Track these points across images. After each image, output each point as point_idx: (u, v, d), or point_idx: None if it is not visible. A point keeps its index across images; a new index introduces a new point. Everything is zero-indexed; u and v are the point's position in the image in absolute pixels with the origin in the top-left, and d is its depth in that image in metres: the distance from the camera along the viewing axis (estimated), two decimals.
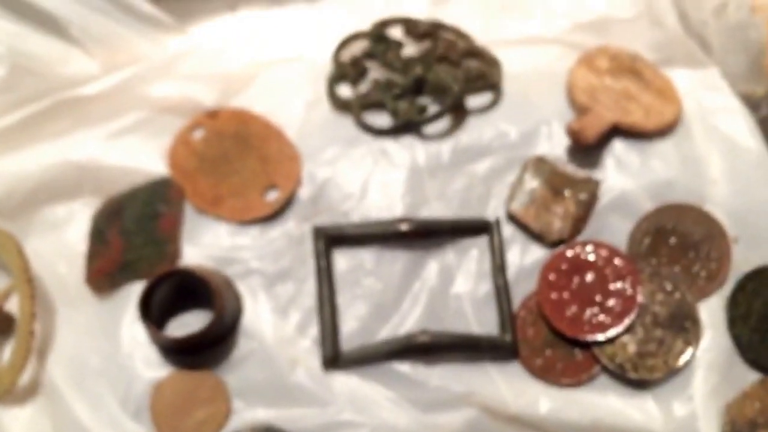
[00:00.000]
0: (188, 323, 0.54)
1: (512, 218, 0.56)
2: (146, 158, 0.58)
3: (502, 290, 0.55)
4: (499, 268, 0.55)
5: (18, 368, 0.54)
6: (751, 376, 0.53)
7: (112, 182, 0.58)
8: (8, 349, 0.56)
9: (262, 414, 0.52)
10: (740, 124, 0.58)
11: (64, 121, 0.58)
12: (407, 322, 0.54)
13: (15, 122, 0.57)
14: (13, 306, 0.56)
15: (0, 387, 0.54)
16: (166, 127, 0.58)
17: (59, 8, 0.59)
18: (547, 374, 0.53)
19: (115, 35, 0.60)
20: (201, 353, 0.53)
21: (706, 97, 0.59)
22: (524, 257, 0.55)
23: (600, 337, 0.53)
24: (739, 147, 0.58)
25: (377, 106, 0.58)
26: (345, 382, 0.53)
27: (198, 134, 0.58)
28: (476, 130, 0.58)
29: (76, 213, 0.58)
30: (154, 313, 0.53)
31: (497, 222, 0.56)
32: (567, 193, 0.55)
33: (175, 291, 0.54)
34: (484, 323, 0.54)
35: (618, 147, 0.57)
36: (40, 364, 0.55)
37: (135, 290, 0.55)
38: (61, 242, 0.58)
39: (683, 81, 0.60)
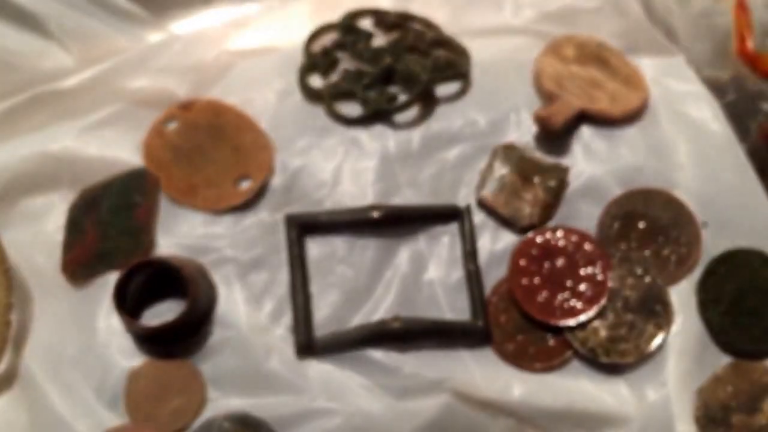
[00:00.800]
0: (163, 312, 0.47)
1: (482, 205, 0.49)
2: (122, 150, 0.51)
3: (473, 276, 0.48)
4: (470, 254, 0.48)
5: None
6: (723, 360, 0.46)
7: (88, 174, 0.51)
8: None
9: (237, 402, 0.46)
10: (706, 109, 0.52)
11: (42, 115, 0.51)
12: (380, 308, 0.47)
13: None
14: None
15: None
16: (141, 120, 0.51)
17: (37, 4, 0.53)
18: (519, 360, 0.47)
19: (92, 30, 0.53)
20: (176, 342, 0.46)
21: (672, 83, 0.53)
22: (495, 243, 0.49)
23: (571, 322, 0.46)
24: (705, 132, 0.51)
25: (348, 95, 0.51)
26: (319, 369, 0.46)
27: (172, 126, 0.51)
28: (445, 119, 0.51)
29: (53, 204, 0.51)
30: (129, 302, 0.46)
31: (468, 209, 0.49)
32: (536, 179, 0.48)
33: (150, 281, 0.47)
34: (456, 309, 0.48)
35: (586, 134, 0.51)
36: (16, 354, 0.49)
37: (111, 280, 0.47)
38: (39, 233, 0.51)
39: (649, 68, 0.53)
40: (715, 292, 0.47)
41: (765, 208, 0.49)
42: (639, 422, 0.45)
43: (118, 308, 0.45)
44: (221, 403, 0.46)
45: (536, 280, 0.47)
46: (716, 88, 0.53)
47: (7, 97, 0.51)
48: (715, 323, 0.46)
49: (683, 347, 0.46)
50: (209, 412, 0.46)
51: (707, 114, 0.52)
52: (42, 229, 0.51)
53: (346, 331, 0.47)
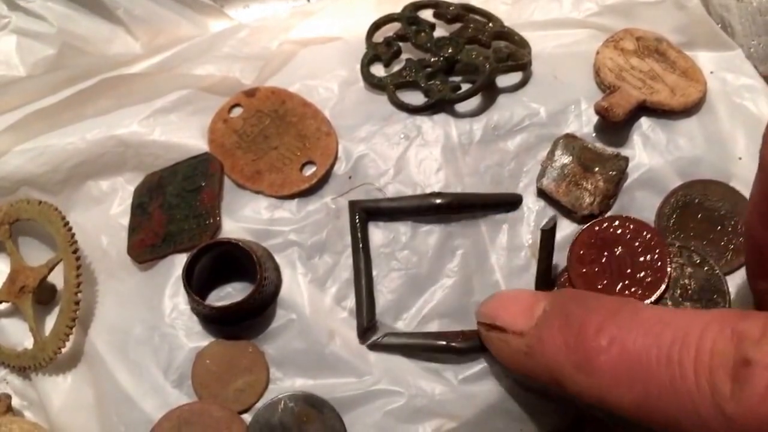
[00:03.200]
0: (228, 294, 0.49)
1: (543, 194, 0.50)
2: (187, 135, 0.53)
3: (542, 282, 0.49)
4: (545, 271, 0.49)
5: (62, 337, 0.49)
6: None
7: (153, 158, 0.53)
8: (51, 319, 0.52)
9: (300, 383, 0.48)
10: (764, 103, 0.53)
11: (109, 99, 0.53)
12: (439, 295, 0.49)
13: (62, 100, 0.52)
14: (54, 277, 0.52)
15: (42, 355, 0.50)
16: (206, 106, 0.54)
17: None
18: None
19: (159, 17, 0.56)
20: (241, 324, 0.48)
21: (730, 77, 0.54)
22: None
23: None
24: (763, 125, 0.53)
25: (410, 85, 0.53)
26: (382, 354, 0.48)
27: (237, 112, 0.53)
28: (507, 109, 0.53)
29: (118, 187, 0.54)
30: (196, 283, 0.48)
31: (554, 228, 0.49)
32: (596, 169, 0.50)
33: (216, 263, 0.49)
34: None
35: (645, 125, 0.52)
36: (83, 333, 0.51)
37: (176, 261, 0.50)
38: (104, 216, 0.53)
39: (707, 62, 0.55)
40: None
41: None
42: None
43: (186, 287, 0.47)
44: (285, 384, 0.48)
45: (596, 268, 0.49)
46: None
47: (76, 82, 0.53)
48: None
49: None
50: (273, 393, 0.48)
51: (765, 107, 0.53)
52: (107, 212, 0.54)
53: (406, 335, 0.49)
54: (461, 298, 0.49)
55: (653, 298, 0.48)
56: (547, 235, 0.47)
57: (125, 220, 0.52)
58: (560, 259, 0.49)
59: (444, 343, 0.47)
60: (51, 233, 0.51)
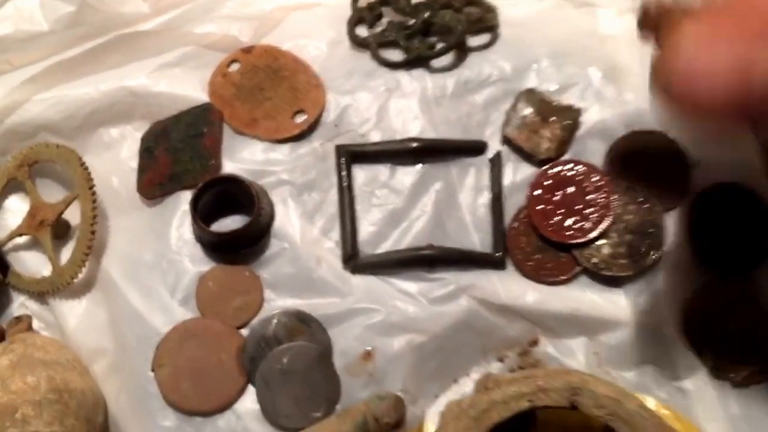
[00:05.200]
0: (228, 226, 0.58)
1: (507, 140, 0.59)
2: (190, 87, 0.61)
3: (497, 215, 0.58)
4: (496, 197, 0.58)
5: (78, 264, 0.58)
6: (708, 277, 0.57)
7: (160, 107, 0.61)
8: (66, 252, 0.60)
9: (290, 302, 0.56)
10: None
11: (120, 54, 0.62)
12: (415, 227, 0.58)
13: (79, 53, 0.61)
14: (69, 216, 0.60)
15: (60, 281, 0.58)
16: (207, 61, 0.62)
17: None
18: (536, 275, 0.57)
19: None
20: (239, 251, 0.57)
21: None
22: (516, 175, 0.59)
23: (580, 241, 0.57)
24: None
25: (391, 44, 0.61)
26: (362, 277, 0.57)
27: (235, 67, 0.62)
28: (476, 66, 0.61)
29: (127, 134, 0.62)
30: (200, 215, 0.56)
31: (499, 158, 0.59)
32: (553, 119, 0.59)
33: (217, 199, 0.57)
34: (481, 231, 0.58)
35: (597, 82, 0.61)
36: (96, 262, 0.59)
37: (181, 198, 0.58)
38: (115, 159, 0.61)
39: None
40: (703, 218, 0.58)
41: (748, 149, 0.60)
42: (633, 325, 0.56)
43: (193, 215, 0.55)
44: (277, 303, 0.56)
45: (551, 205, 0.58)
46: None
47: (91, 38, 0.61)
48: (701, 244, 0.57)
49: (673, 264, 0.57)
50: (267, 311, 0.56)
51: None
52: (117, 156, 0.62)
53: (385, 254, 0.58)
54: (433, 230, 0.58)
55: (598, 231, 0.57)
56: (495, 162, 0.56)
57: (134, 163, 0.61)
58: (521, 197, 0.59)
59: (414, 253, 0.56)
60: (68, 173, 0.59)
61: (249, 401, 0.55)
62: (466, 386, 0.56)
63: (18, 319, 0.58)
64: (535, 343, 0.57)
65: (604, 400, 0.51)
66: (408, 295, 0.56)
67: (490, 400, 0.52)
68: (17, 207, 0.62)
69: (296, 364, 0.54)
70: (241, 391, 0.54)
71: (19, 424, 0.50)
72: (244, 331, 0.56)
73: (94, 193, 0.58)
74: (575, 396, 0.51)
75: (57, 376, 0.52)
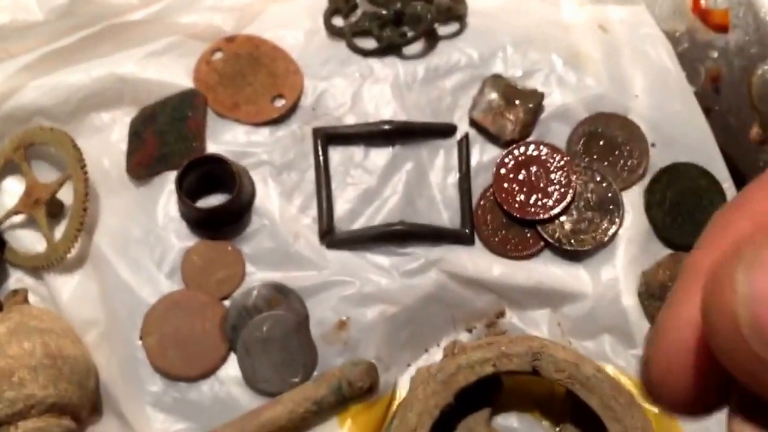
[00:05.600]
0: (212, 204, 0.62)
1: (474, 123, 0.63)
2: (175, 74, 0.65)
3: (465, 194, 0.62)
4: (464, 176, 0.63)
5: (71, 240, 0.61)
6: (664, 251, 0.61)
7: (147, 93, 0.65)
8: (59, 230, 0.64)
9: (270, 275, 0.61)
10: (661, 51, 0.66)
11: (111, 43, 0.66)
12: (387, 205, 0.62)
13: (72, 42, 0.65)
14: (62, 195, 0.64)
15: (54, 256, 0.62)
16: (192, 50, 0.66)
17: None
18: (502, 250, 0.61)
19: None
20: (222, 227, 0.61)
21: (635, 28, 0.67)
22: (483, 155, 0.63)
23: (543, 217, 0.61)
24: (658, 69, 0.66)
25: (365, 33, 0.65)
26: (337, 252, 0.61)
27: (218, 55, 0.66)
28: (445, 53, 0.65)
29: (117, 119, 0.66)
30: (186, 193, 0.60)
31: (467, 139, 0.63)
32: (518, 102, 0.63)
33: (201, 179, 0.61)
34: (450, 208, 0.62)
35: (559, 68, 0.65)
36: (88, 239, 0.63)
37: (168, 177, 0.62)
38: (105, 142, 0.65)
39: (617, 13, 0.67)
40: (659, 196, 0.62)
41: (702, 132, 0.64)
42: (593, 297, 0.60)
43: (179, 192, 0.59)
44: (258, 276, 0.61)
45: (515, 184, 0.62)
46: (673, 39, 0.68)
47: (83, 28, 0.65)
48: (658, 221, 0.61)
49: (631, 239, 0.61)
50: (248, 284, 0.60)
51: (662, 55, 0.66)
52: (107, 139, 0.66)
53: (359, 230, 0.62)
54: (404, 208, 0.62)
55: (561, 208, 0.61)
56: (462, 144, 0.61)
57: (123, 146, 0.65)
58: (487, 177, 0.63)
59: (387, 229, 0.60)
60: (61, 155, 0.63)
61: (231, 368, 0.59)
62: (436, 355, 0.61)
63: (15, 292, 0.62)
64: (501, 314, 0.62)
65: (563, 364, 0.55)
66: (381, 269, 0.60)
67: (457, 365, 0.56)
68: (13, 188, 0.66)
69: (275, 332, 0.58)
70: (223, 358, 0.59)
71: (15, 387, 0.54)
72: (227, 302, 0.60)
73: (86, 173, 0.62)
74: (536, 361, 0.55)
75: (51, 342, 0.57)
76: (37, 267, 0.63)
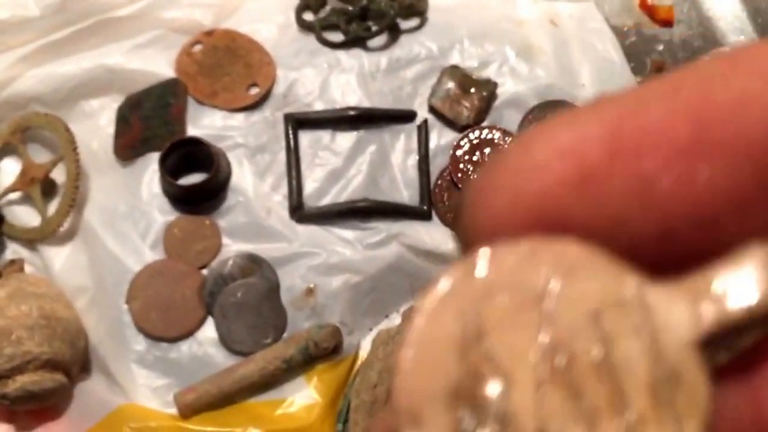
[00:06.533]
0: (192, 182, 0.69)
1: (432, 109, 0.71)
2: (159, 65, 0.72)
3: (423, 174, 0.70)
4: (423, 157, 0.70)
5: (63, 215, 0.69)
6: None
7: (133, 82, 0.72)
8: (52, 207, 0.71)
9: (244, 247, 0.68)
10: (607, 43, 0.73)
11: (100, 37, 0.72)
12: (352, 184, 0.69)
13: (65, 36, 0.72)
14: (55, 175, 0.72)
15: (48, 229, 0.69)
16: (174, 42, 0.73)
17: None
18: (455, 226, 0.69)
19: None
20: (201, 204, 0.68)
21: (583, 23, 0.74)
22: (441, 139, 0.71)
23: None
24: (604, 60, 0.73)
25: (333, 27, 0.73)
26: (306, 227, 0.68)
27: (198, 48, 0.73)
28: (407, 46, 0.73)
29: (105, 106, 0.73)
30: (168, 173, 0.67)
31: (425, 124, 0.70)
32: (473, 90, 0.70)
33: (182, 162, 0.69)
34: (410, 188, 0.70)
35: (512, 59, 0.72)
36: (78, 214, 0.70)
37: (152, 159, 0.70)
38: (94, 127, 0.72)
39: (566, 9, 0.75)
40: None
41: None
42: None
43: (162, 170, 0.67)
44: (233, 248, 0.68)
45: (470, 165, 0.69)
46: (621, 33, 0.75)
47: (75, 23, 0.72)
48: None
49: None
50: (224, 254, 0.68)
51: (609, 47, 0.73)
52: (97, 124, 0.73)
53: (326, 206, 0.69)
54: (368, 187, 0.69)
55: None
56: (422, 128, 0.69)
57: (111, 130, 0.72)
58: (445, 159, 0.70)
59: (351, 205, 0.68)
60: (55, 137, 0.71)
61: (208, 330, 0.66)
62: (395, 320, 0.68)
63: (12, 261, 0.69)
64: None
65: None
66: (345, 241, 0.68)
67: None
68: (10, 168, 0.73)
69: (249, 297, 0.66)
70: (201, 322, 0.66)
71: (14, 344, 0.61)
72: (205, 271, 0.67)
73: (77, 154, 0.69)
74: None
75: (46, 306, 0.64)
76: (32, 239, 0.70)
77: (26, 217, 0.72)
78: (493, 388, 0.13)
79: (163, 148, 0.68)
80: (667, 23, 0.78)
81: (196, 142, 0.68)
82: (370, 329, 0.68)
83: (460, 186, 0.69)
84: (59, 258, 0.70)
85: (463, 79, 0.71)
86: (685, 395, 0.13)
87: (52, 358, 0.62)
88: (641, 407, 0.13)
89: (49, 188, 0.72)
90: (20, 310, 0.63)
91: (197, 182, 0.67)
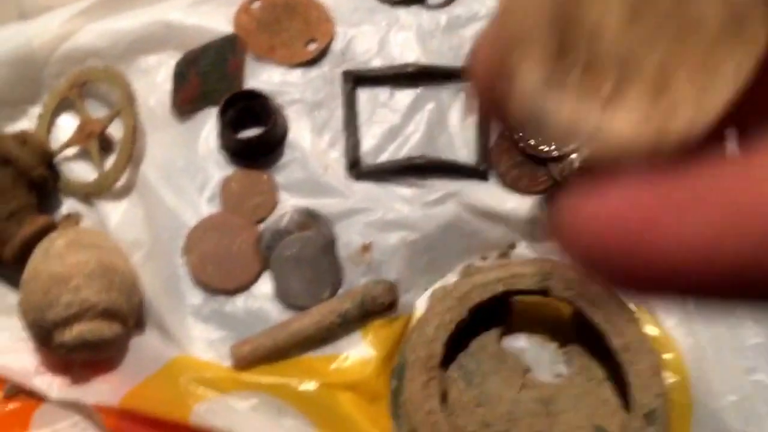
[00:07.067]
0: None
1: None
2: (217, 21, 0.73)
3: (482, 133, 0.70)
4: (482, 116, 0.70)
5: (121, 169, 0.70)
6: None
7: (191, 39, 0.73)
8: (109, 163, 0.72)
9: (300, 202, 0.68)
10: None
11: None
12: (410, 142, 0.69)
13: None
14: (111, 131, 0.73)
15: (104, 184, 0.70)
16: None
17: None
18: (515, 185, 0.69)
19: None
20: (258, 159, 0.69)
21: None
22: None
23: (554, 156, 0.68)
24: None
25: None
26: (363, 184, 0.69)
27: (257, 5, 0.73)
28: (466, 4, 0.72)
29: (163, 61, 0.74)
30: (226, 125, 0.68)
31: None
32: None
33: (239, 117, 0.69)
34: (466, 145, 0.70)
35: None
36: (135, 170, 0.71)
37: (209, 113, 0.70)
38: (151, 83, 0.73)
39: None
40: None
41: None
42: None
43: (221, 123, 0.67)
44: (289, 203, 0.68)
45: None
46: None
47: None
48: None
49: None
50: (280, 210, 0.68)
51: None
52: (153, 80, 0.74)
53: (383, 163, 0.70)
54: (425, 145, 0.69)
55: (569, 148, 0.68)
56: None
57: (167, 86, 0.73)
58: None
59: (409, 162, 0.68)
60: (113, 92, 0.72)
61: (264, 285, 0.67)
62: (451, 281, 0.68)
63: (68, 216, 0.70)
64: (513, 246, 0.69)
65: (572, 282, 0.62)
66: (403, 199, 0.68)
67: (472, 284, 0.63)
68: (67, 124, 0.74)
69: (305, 251, 0.66)
70: (257, 276, 0.66)
71: (72, 291, 0.62)
72: (261, 226, 0.68)
73: (136, 108, 0.70)
74: (546, 281, 0.62)
75: (104, 256, 0.64)
76: (89, 194, 0.71)
77: (82, 172, 0.73)
78: (589, 14, 0.15)
79: (221, 103, 0.69)
80: None
81: (255, 95, 0.68)
82: (425, 289, 0.68)
83: (518, 146, 0.69)
84: (115, 213, 0.71)
85: None
86: (747, 34, 0.15)
87: (110, 307, 0.63)
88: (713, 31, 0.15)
89: (106, 144, 0.73)
90: (79, 258, 0.63)
91: (255, 135, 0.68)
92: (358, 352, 0.65)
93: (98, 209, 0.71)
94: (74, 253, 0.64)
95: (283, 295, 0.66)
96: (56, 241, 0.65)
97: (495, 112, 0.19)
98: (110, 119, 0.71)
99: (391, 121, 0.70)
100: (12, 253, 0.67)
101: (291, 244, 0.66)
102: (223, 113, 0.68)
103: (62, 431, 0.65)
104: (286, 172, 0.69)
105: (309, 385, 0.63)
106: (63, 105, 0.74)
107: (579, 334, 0.65)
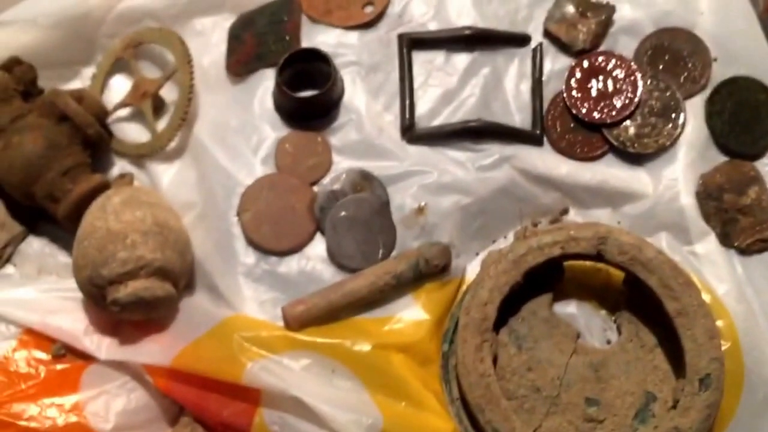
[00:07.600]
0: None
1: (548, 34, 0.71)
2: None
3: (537, 96, 0.70)
4: (537, 81, 0.70)
5: (175, 129, 0.70)
6: (721, 158, 0.69)
7: (245, 1, 0.74)
8: (162, 124, 0.73)
9: (355, 164, 0.69)
10: None
11: None
12: (465, 106, 0.70)
13: None
14: (164, 93, 0.73)
15: (158, 144, 0.71)
16: None
17: None
18: (569, 151, 0.69)
19: None
20: (313, 119, 0.70)
21: None
22: (555, 64, 0.71)
23: (609, 121, 0.69)
24: None
25: None
26: (418, 147, 0.69)
27: None
28: None
29: (217, 24, 0.75)
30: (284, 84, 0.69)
31: (540, 47, 0.71)
32: (590, 14, 0.71)
33: (295, 75, 0.70)
34: (522, 112, 0.70)
35: None
36: (188, 131, 0.72)
37: (264, 75, 0.71)
38: (206, 44, 0.74)
39: None
40: (719, 106, 0.68)
41: (763, 50, 0.70)
42: (653, 197, 0.67)
43: (277, 82, 0.68)
44: (344, 165, 0.69)
45: (584, 91, 0.69)
46: None
47: None
48: (716, 129, 0.68)
49: (691, 144, 0.68)
50: (335, 171, 0.69)
51: None
52: (208, 42, 0.74)
53: (438, 126, 0.70)
54: (480, 109, 0.70)
55: (626, 113, 0.68)
56: (536, 52, 0.69)
57: (223, 48, 0.73)
58: (558, 84, 0.70)
59: (464, 125, 0.68)
60: (167, 53, 0.72)
61: (317, 246, 0.67)
62: (502, 246, 0.68)
63: (122, 176, 0.71)
64: (565, 212, 0.69)
65: (626, 247, 0.63)
66: (457, 162, 0.68)
67: (527, 246, 0.64)
68: (119, 86, 0.75)
69: (360, 212, 0.67)
70: (311, 236, 0.67)
71: (128, 248, 0.63)
72: (315, 188, 0.68)
73: (191, 67, 0.70)
74: (601, 245, 0.63)
75: (159, 214, 0.65)
76: (142, 155, 0.72)
77: (135, 133, 0.74)
78: None
79: (277, 63, 0.69)
80: None
81: (315, 54, 0.69)
82: (477, 254, 0.69)
83: (573, 111, 0.69)
84: (167, 174, 0.72)
85: (581, 2, 0.71)
86: None
87: (164, 266, 0.64)
88: None
89: (159, 104, 0.73)
90: (135, 215, 0.64)
91: (312, 95, 0.68)
92: (411, 314, 0.66)
93: (149, 170, 0.72)
94: (130, 210, 0.65)
95: (336, 256, 0.66)
96: (112, 198, 0.66)
97: None
98: (165, 79, 0.72)
99: (447, 85, 0.71)
100: (66, 211, 0.68)
101: (345, 206, 0.67)
102: (280, 73, 0.68)
103: (111, 391, 0.65)
104: (340, 134, 0.70)
105: (363, 346, 0.64)
106: (116, 66, 0.75)
107: (629, 300, 0.66)
